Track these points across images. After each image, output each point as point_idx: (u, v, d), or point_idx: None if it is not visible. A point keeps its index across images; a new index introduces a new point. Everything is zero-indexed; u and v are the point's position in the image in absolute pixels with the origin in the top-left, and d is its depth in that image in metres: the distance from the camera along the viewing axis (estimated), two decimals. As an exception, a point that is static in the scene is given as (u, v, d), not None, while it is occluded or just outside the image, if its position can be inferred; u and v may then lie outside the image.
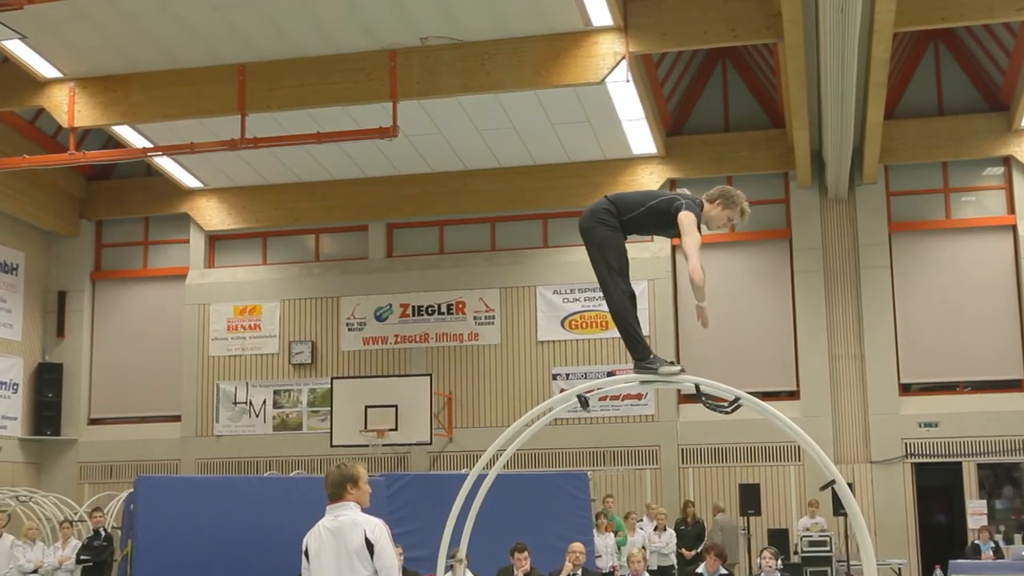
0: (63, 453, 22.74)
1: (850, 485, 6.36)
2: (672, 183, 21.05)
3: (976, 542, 17.68)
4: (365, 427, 18.84)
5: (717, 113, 21.37)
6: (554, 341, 21.12)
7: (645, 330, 6.61)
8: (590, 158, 20.84)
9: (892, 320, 19.98)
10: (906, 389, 20.05)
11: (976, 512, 18.89)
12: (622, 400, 20.34)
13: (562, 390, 18.80)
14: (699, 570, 13.15)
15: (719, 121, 21.35)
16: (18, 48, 17.31)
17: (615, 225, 6.28)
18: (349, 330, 21.99)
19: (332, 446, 19.14)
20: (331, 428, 19.37)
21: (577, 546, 12.08)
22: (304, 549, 6.13)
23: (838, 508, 16.65)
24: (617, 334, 6.49)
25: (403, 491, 13.95)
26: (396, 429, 18.83)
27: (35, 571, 16.59)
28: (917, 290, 20.11)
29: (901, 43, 19.58)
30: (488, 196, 21.49)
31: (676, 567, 17.53)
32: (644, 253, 20.22)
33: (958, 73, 20.45)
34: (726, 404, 6.13)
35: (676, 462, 20.35)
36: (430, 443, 19.39)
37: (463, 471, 17.39)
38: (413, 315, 21.74)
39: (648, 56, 18.33)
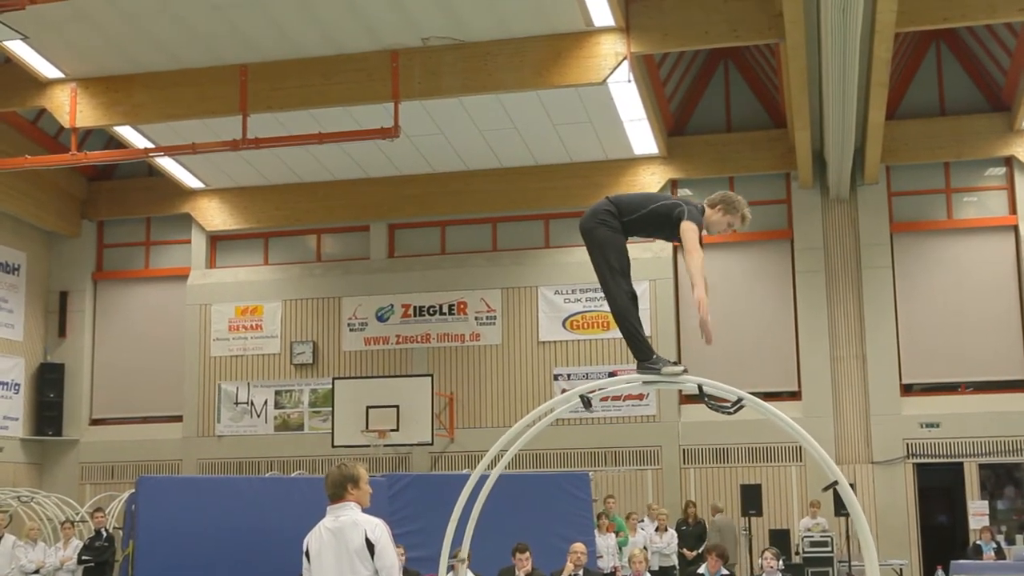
0: (64, 453, 22.75)
1: (852, 485, 6.35)
2: (674, 183, 21.07)
3: (978, 543, 17.65)
4: (367, 427, 18.82)
5: (719, 113, 21.36)
6: (555, 341, 21.12)
7: (646, 330, 6.60)
8: (592, 158, 20.83)
9: (894, 320, 19.97)
10: (907, 389, 20.03)
11: (978, 513, 18.87)
12: (623, 400, 20.33)
13: (563, 390, 18.78)
14: (700, 570, 13.12)
15: (721, 121, 21.34)
16: (20, 48, 17.31)
17: (616, 226, 6.28)
18: (351, 330, 21.99)
19: (333, 446, 19.13)
20: (332, 428, 19.35)
21: (578, 546, 12.05)
22: (305, 549, 6.12)
23: (839, 508, 16.60)
24: (618, 334, 6.49)
25: (404, 491, 13.94)
26: (397, 429, 18.81)
27: (37, 571, 16.58)
28: (919, 290, 20.09)
29: (903, 43, 19.57)
30: (490, 196, 21.49)
31: (677, 567, 17.52)
32: (646, 254, 20.21)
33: (960, 73, 20.43)
34: (729, 405, 6.14)
35: (677, 462, 20.34)
36: (431, 443, 19.38)
37: (465, 471, 17.38)
38: (415, 315, 21.73)
39: (650, 56, 18.31)
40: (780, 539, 18.02)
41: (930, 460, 19.57)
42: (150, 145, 19.72)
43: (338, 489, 6.07)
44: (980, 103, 20.26)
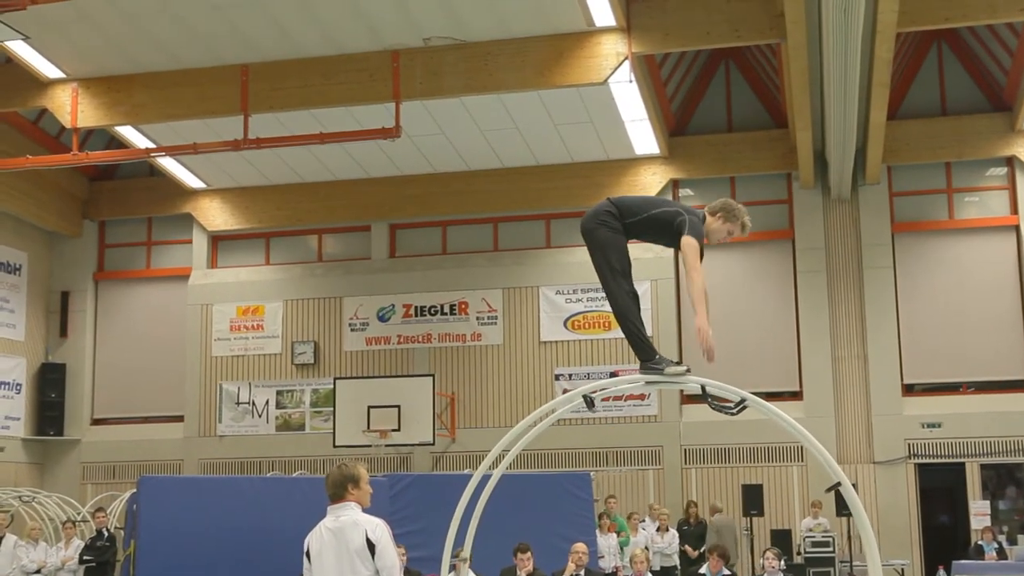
0: (66, 453, 22.74)
1: (853, 486, 6.34)
2: (675, 183, 21.06)
3: (979, 543, 17.63)
4: (368, 427, 18.82)
5: (720, 113, 21.35)
6: (557, 341, 21.10)
7: (648, 331, 6.62)
8: (593, 158, 20.82)
9: (895, 320, 19.94)
10: (909, 390, 20.00)
11: (979, 513, 18.86)
12: (625, 400, 20.31)
13: (565, 391, 18.79)
14: (702, 571, 13.12)
15: (722, 121, 21.32)
16: (21, 49, 17.30)
17: (617, 227, 6.28)
18: (352, 330, 21.97)
19: (335, 446, 19.12)
20: (334, 428, 19.35)
21: (580, 546, 12.01)
22: (305, 550, 6.11)
23: (841, 509, 16.61)
24: (620, 334, 6.50)
25: (406, 492, 13.92)
26: (399, 429, 18.81)
27: (38, 571, 16.56)
28: (920, 291, 20.07)
29: (904, 43, 19.55)
30: (491, 196, 21.47)
31: (679, 568, 17.50)
32: (647, 254, 20.15)
33: (961, 73, 20.41)
34: (732, 405, 6.13)
35: (679, 463, 20.32)
36: (433, 443, 19.37)
37: (466, 471, 17.37)
38: (416, 315, 21.72)
39: (651, 56, 18.29)
40: (782, 539, 18.01)
41: (932, 460, 19.55)
42: (151, 145, 19.71)
43: (338, 489, 6.07)
44: (981, 103, 20.24)
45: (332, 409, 19.87)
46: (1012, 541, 18.62)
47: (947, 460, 19.48)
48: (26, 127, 21.14)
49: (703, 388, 6.10)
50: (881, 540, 17.75)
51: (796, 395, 20.11)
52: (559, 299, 21.16)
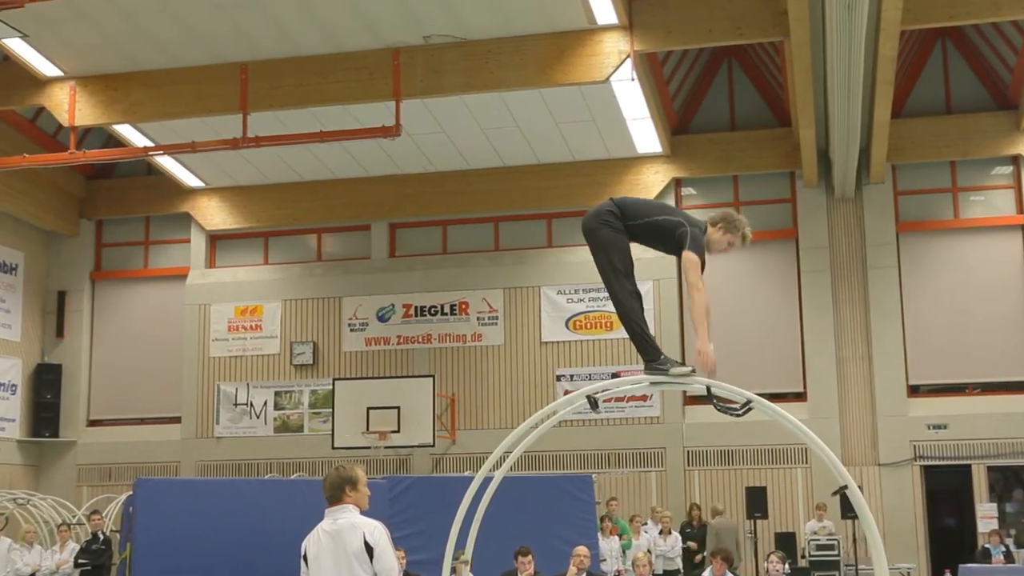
0: (61, 455, 22.62)
1: (858, 487, 6.28)
2: (677, 182, 20.99)
3: (986, 546, 17.55)
4: (367, 429, 18.73)
5: (723, 112, 21.27)
6: (558, 342, 21.01)
7: (650, 331, 6.51)
8: (595, 157, 20.75)
9: (900, 321, 19.86)
10: (914, 391, 19.91)
11: (986, 515, 18.79)
12: (627, 402, 20.22)
13: (566, 391, 18.71)
14: (705, 574, 13.01)
15: (725, 120, 21.25)
16: (18, 46, 17.22)
17: (619, 227, 6.29)
18: (351, 331, 21.87)
19: (334, 448, 19.01)
20: (333, 430, 19.24)
21: (581, 549, 11.97)
22: (303, 553, 6.06)
23: (846, 511, 16.53)
24: (622, 335, 6.47)
25: (405, 494, 13.82)
26: (398, 431, 18.72)
27: (32, 575, 16.49)
28: (925, 290, 19.99)
29: (908, 41, 19.46)
30: (492, 195, 21.40)
31: (682, 571, 17.44)
32: (649, 253, 19.63)
33: (966, 71, 20.35)
34: (737, 407, 6.12)
35: (682, 464, 20.23)
36: (433, 445, 19.25)
37: (466, 473, 17.29)
38: (416, 315, 21.62)
39: (653, 54, 18.24)
40: (786, 542, 17.98)
41: (938, 462, 19.47)
42: (149, 144, 19.64)
43: (336, 491, 6.02)
44: (987, 101, 20.18)
45: (331, 410, 19.77)
46: (1020, 544, 18.57)
47: (953, 462, 19.39)
48: (23, 125, 21.09)
49: (708, 389, 6.09)
50: (886, 543, 17.49)
51: (800, 396, 20.05)
52: (560, 299, 21.05)
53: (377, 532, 5.91)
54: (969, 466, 19.32)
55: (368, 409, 18.80)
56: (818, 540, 17.65)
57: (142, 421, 22.75)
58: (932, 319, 19.87)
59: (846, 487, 6.08)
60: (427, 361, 21.34)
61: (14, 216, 21.90)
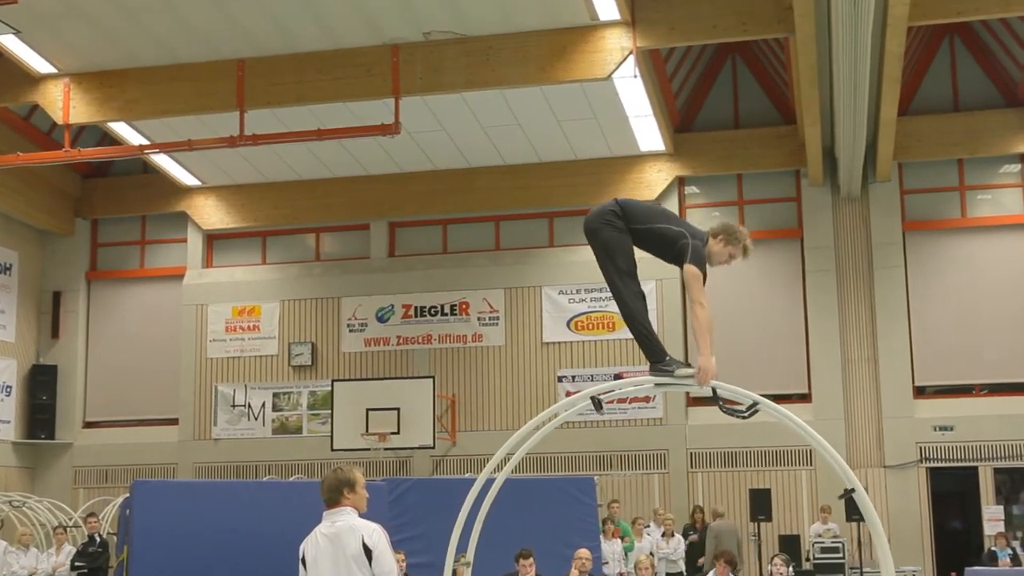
0: (57, 457, 22.50)
1: (864, 490, 6.22)
2: (681, 181, 20.92)
3: (993, 549, 17.54)
4: (367, 431, 18.70)
5: (727, 109, 21.19)
6: (560, 342, 20.90)
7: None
8: (597, 155, 20.68)
9: (906, 321, 19.78)
10: (921, 392, 19.82)
11: (993, 518, 18.75)
12: (630, 403, 20.12)
13: (568, 393, 18.59)
14: (709, 578, 12.86)
15: (729, 117, 21.18)
16: (12, 43, 17.12)
17: (621, 227, 6.27)
18: (350, 331, 21.76)
19: (333, 450, 18.94)
20: (332, 431, 19.21)
21: (583, 552, 11.95)
22: (301, 557, 6.01)
23: (851, 513, 16.42)
24: (624, 336, 6.40)
25: (405, 496, 13.68)
26: (398, 432, 18.68)
27: (28, 577, 16.38)
28: (932, 290, 19.90)
29: (915, 37, 19.37)
30: (492, 194, 21.32)
31: (684, 574, 17.33)
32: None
33: (974, 68, 20.27)
34: (743, 409, 6.13)
35: (685, 466, 20.15)
36: (433, 447, 19.20)
37: (467, 475, 17.20)
38: (415, 316, 21.51)
39: (656, 51, 18.16)
40: (790, 545, 17.89)
41: (944, 464, 19.41)
42: (145, 142, 19.52)
43: (334, 494, 5.97)
44: (995, 98, 20.10)
45: (330, 412, 19.72)
46: (1027, 547, 18.39)
47: (959, 464, 19.31)
48: (17, 123, 20.99)
49: (714, 391, 6.08)
50: (892, 546, 17.24)
51: (805, 397, 19.98)
52: (562, 299, 20.91)
53: (376, 534, 5.86)
54: (976, 468, 19.25)
55: (367, 410, 18.81)
56: (822, 543, 17.60)
57: (139, 423, 22.65)
58: (939, 319, 19.76)
59: (853, 491, 6.06)
60: (427, 362, 21.24)
61: (8, 215, 21.80)
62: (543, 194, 21.08)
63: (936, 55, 20.35)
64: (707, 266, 6.27)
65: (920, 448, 19.33)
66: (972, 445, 19.17)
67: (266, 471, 20.98)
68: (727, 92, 21.20)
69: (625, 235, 6.26)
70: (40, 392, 22.32)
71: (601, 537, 15.48)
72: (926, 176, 20.20)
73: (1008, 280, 19.64)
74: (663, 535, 17.52)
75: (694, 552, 17.66)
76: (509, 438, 6.43)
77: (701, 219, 20.63)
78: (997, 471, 19.21)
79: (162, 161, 21.32)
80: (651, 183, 20.60)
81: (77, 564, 16.66)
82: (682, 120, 21.09)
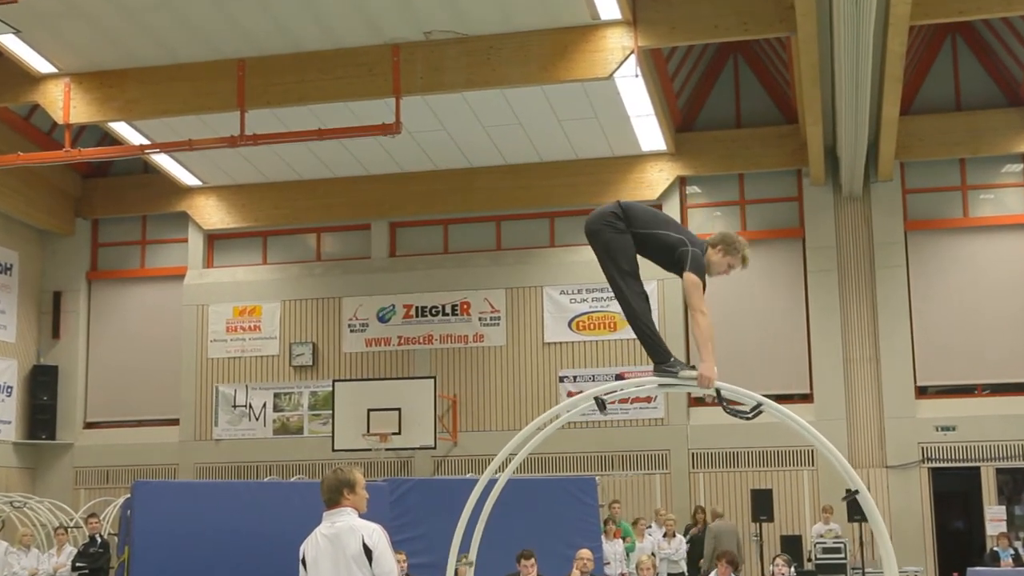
0: (58, 457, 22.47)
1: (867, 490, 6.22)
2: (682, 180, 20.89)
3: (995, 549, 17.51)
4: (368, 431, 18.67)
5: (728, 109, 21.16)
6: (561, 343, 20.87)
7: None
8: (598, 155, 20.65)
9: (908, 321, 19.75)
10: (922, 392, 19.78)
11: (995, 518, 18.71)
12: (631, 403, 20.09)
13: (569, 393, 18.56)
14: (711, 578, 12.84)
15: (730, 117, 21.15)
16: (12, 43, 17.10)
17: (622, 228, 6.27)
18: (351, 331, 21.72)
19: (334, 450, 18.91)
20: (333, 432, 19.18)
21: (585, 553, 11.94)
22: (301, 557, 6.00)
23: (853, 514, 16.38)
24: (625, 336, 6.40)
25: (406, 496, 13.66)
26: (399, 433, 18.66)
27: (29, 578, 16.37)
28: (934, 290, 19.86)
29: (917, 37, 19.34)
30: (494, 194, 21.29)
31: (686, 574, 17.25)
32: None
33: (976, 67, 20.23)
34: (746, 409, 6.12)
35: (686, 467, 20.12)
36: (434, 447, 19.15)
37: (468, 476, 17.17)
38: (417, 316, 21.47)
39: (658, 50, 18.13)
40: (792, 545, 17.86)
41: (946, 464, 19.38)
42: (146, 141, 19.50)
43: (334, 494, 5.96)
44: (997, 98, 20.06)
45: (331, 412, 19.70)
46: (1029, 547, 18.36)
47: (962, 464, 19.28)
48: (17, 123, 20.98)
49: (718, 392, 6.07)
50: (894, 546, 17.29)
51: (806, 397, 19.95)
52: (563, 299, 20.88)
53: (376, 535, 5.84)
54: (978, 468, 19.22)
55: (369, 411, 18.79)
56: (824, 543, 17.57)
57: (140, 423, 22.63)
58: (941, 319, 19.73)
59: (857, 492, 6.06)
60: (428, 362, 21.22)
61: (8, 215, 21.78)
62: (544, 194, 21.04)
63: (938, 54, 20.31)
64: (706, 276, 6.27)
65: (922, 448, 19.30)
66: (974, 445, 19.14)
67: (267, 472, 20.95)
68: (728, 91, 21.17)
69: (626, 235, 6.26)
70: (41, 392, 22.30)
71: (602, 537, 15.44)
72: (928, 176, 20.16)
73: (1010, 280, 19.61)
74: (664, 535, 17.47)
75: (694, 552, 17.63)
76: (510, 438, 6.40)
77: (703, 219, 20.63)
78: (999, 471, 19.17)
79: (162, 161, 21.30)
80: (652, 183, 20.57)
81: (78, 565, 16.64)
82: (683, 120, 21.06)
